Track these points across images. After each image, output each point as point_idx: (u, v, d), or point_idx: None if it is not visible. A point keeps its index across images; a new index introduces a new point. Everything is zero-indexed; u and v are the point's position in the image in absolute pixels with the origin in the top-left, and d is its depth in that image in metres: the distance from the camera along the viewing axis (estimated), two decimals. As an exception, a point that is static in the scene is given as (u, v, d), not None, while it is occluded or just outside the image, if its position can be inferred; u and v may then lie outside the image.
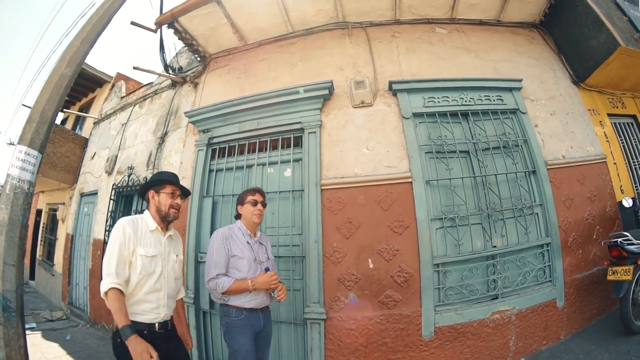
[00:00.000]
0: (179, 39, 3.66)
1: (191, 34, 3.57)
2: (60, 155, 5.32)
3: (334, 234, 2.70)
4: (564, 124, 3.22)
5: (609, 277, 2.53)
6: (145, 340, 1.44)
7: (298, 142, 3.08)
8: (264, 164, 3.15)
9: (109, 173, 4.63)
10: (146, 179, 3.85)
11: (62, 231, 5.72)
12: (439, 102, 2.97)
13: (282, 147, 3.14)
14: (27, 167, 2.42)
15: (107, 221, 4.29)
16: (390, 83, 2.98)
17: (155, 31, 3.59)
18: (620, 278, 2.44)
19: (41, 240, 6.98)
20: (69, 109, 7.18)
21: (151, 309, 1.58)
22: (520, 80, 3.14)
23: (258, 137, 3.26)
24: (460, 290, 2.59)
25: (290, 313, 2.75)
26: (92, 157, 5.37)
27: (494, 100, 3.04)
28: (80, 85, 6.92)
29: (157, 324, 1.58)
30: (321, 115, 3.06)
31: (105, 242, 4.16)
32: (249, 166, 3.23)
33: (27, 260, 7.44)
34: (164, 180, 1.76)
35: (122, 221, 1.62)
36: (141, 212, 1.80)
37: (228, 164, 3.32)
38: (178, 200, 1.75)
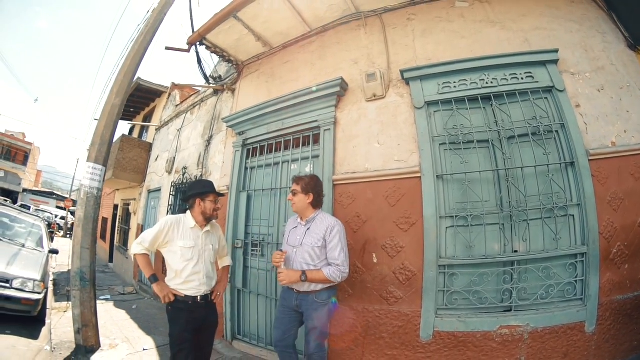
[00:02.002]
0: (211, 53, 4.06)
1: (221, 47, 3.94)
2: (129, 160, 6.37)
3: (344, 227, 2.79)
4: (615, 101, 2.58)
5: None
6: (191, 308, 2.05)
7: (318, 140, 3.22)
8: (288, 161, 3.41)
9: (169, 172, 5.43)
10: (197, 177, 4.46)
11: (134, 222, 6.76)
12: (455, 86, 2.70)
13: (304, 145, 3.34)
14: (95, 178, 3.24)
15: (167, 213, 5.07)
16: (402, 72, 2.84)
17: (188, 51, 4.03)
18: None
19: (118, 230, 8.28)
20: (134, 118, 8.48)
21: (194, 286, 2.09)
22: (555, 51, 2.60)
23: (283, 136, 3.51)
24: (467, 296, 2.37)
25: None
26: (156, 159, 6.30)
27: (522, 78, 2.60)
28: (141, 98, 8.04)
29: (199, 297, 2.10)
30: (336, 112, 3.13)
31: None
32: (276, 163, 3.52)
33: (107, 246, 9.05)
34: (209, 190, 2.25)
35: (169, 218, 2.14)
36: (184, 211, 2.27)
37: (259, 162, 3.67)
38: (218, 205, 2.29)
